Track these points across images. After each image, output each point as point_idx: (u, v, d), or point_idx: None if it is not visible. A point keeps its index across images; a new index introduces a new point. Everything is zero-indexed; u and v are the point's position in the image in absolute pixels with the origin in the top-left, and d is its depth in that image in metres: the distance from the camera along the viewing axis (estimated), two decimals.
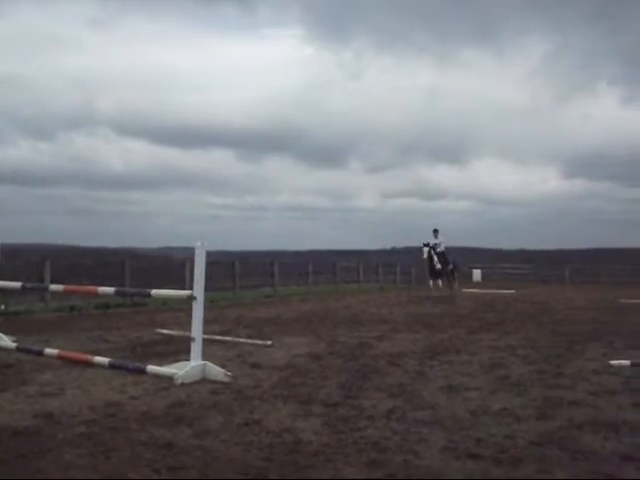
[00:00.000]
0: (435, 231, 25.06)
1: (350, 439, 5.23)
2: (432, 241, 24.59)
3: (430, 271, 24.82)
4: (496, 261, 58.95)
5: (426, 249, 24.06)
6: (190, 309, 7.92)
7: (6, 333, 10.27)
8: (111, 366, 8.09)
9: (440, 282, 25.04)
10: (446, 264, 25.03)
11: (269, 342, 10.60)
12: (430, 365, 8.81)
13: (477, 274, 48.70)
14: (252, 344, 10.60)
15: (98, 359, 8.36)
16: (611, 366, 8.74)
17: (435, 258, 24.20)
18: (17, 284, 10.78)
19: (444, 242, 25.12)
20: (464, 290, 30.43)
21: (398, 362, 9.01)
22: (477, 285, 38.44)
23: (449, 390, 7.18)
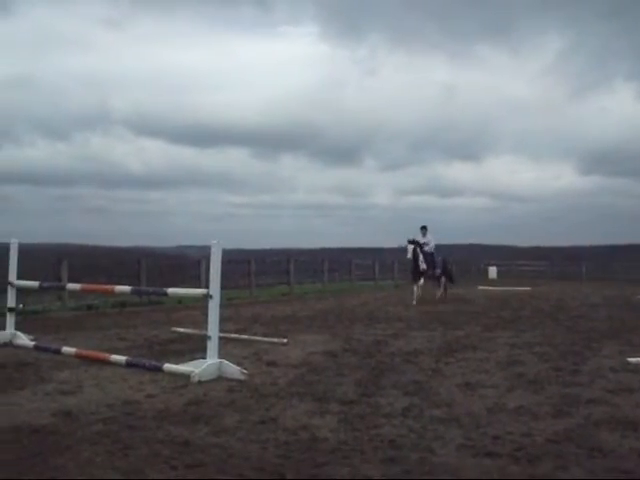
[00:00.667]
0: (423, 228, 21.54)
1: (366, 436, 5.23)
2: (419, 239, 21.17)
3: (413, 272, 21.17)
4: (512, 258, 58.81)
5: (411, 247, 20.58)
6: (206, 307, 7.95)
7: (24, 332, 10.35)
8: (128, 364, 8.14)
9: (422, 281, 21.10)
10: (433, 267, 21.42)
11: (285, 340, 10.62)
12: (446, 362, 8.79)
13: (493, 271, 48.60)
14: (268, 342, 10.62)
15: (115, 357, 8.41)
16: (628, 363, 8.69)
17: (421, 258, 20.73)
18: (35, 283, 10.86)
19: (433, 242, 21.63)
20: (479, 288, 30.33)
21: (414, 360, 9.00)
22: (493, 282, 38.28)
23: (465, 387, 7.16)
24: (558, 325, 13.74)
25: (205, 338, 7.90)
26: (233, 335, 10.97)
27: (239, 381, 7.39)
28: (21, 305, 12.13)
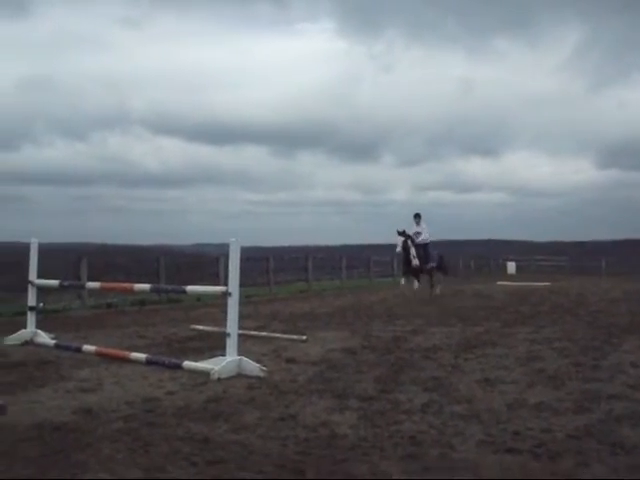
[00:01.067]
0: (417, 216, 19.44)
1: (386, 433, 5.23)
2: (412, 229, 19.28)
3: (404, 267, 19.63)
4: (530, 253, 58.58)
5: (401, 239, 18.72)
6: (225, 305, 7.98)
7: (45, 330, 10.43)
8: (148, 362, 8.18)
9: (416, 283, 19.44)
10: (427, 261, 19.39)
11: (304, 337, 10.63)
12: (465, 358, 8.77)
13: (512, 267, 48.42)
14: (287, 339, 10.64)
15: (135, 355, 8.46)
16: None
17: (412, 251, 18.82)
18: (55, 282, 10.94)
19: (428, 232, 19.61)
20: (498, 283, 30.22)
21: (433, 356, 8.98)
22: (511, 278, 38.14)
23: (485, 383, 7.14)
24: (578, 320, 13.66)
25: (224, 335, 7.93)
26: (252, 332, 10.99)
27: (258, 378, 7.41)
28: (41, 304, 12.22)
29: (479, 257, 51.14)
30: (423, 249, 19.17)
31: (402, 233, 18.77)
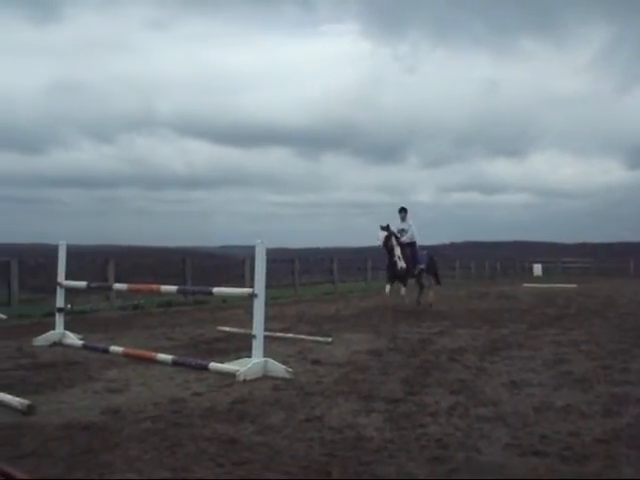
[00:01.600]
0: (402, 210, 16.59)
1: (412, 435, 5.22)
2: (397, 225, 16.50)
3: (388, 271, 16.67)
4: (557, 255, 58.12)
5: (383, 234, 15.96)
6: (250, 307, 8.01)
7: (73, 331, 10.54)
8: (174, 363, 8.23)
9: (403, 289, 16.45)
10: (415, 262, 16.47)
11: (329, 339, 10.64)
12: (491, 361, 8.73)
13: (538, 268, 48.12)
14: (312, 341, 10.65)
15: (162, 356, 8.51)
16: None
17: (397, 251, 16.00)
18: (83, 284, 11.05)
19: (415, 230, 16.61)
20: (524, 285, 30.00)
21: (459, 358, 8.94)
22: (538, 280, 37.85)
23: (512, 386, 7.10)
24: (606, 323, 13.53)
25: (250, 337, 7.96)
26: (278, 334, 11.03)
27: (284, 379, 7.43)
28: (69, 305, 12.35)
29: (505, 259, 50.86)
30: (410, 249, 16.28)
31: (386, 228, 16.07)
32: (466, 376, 7.67)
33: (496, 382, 7.33)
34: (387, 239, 15.86)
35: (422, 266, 16.77)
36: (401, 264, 15.95)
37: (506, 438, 5.11)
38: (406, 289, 16.36)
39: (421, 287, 17.39)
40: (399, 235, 16.28)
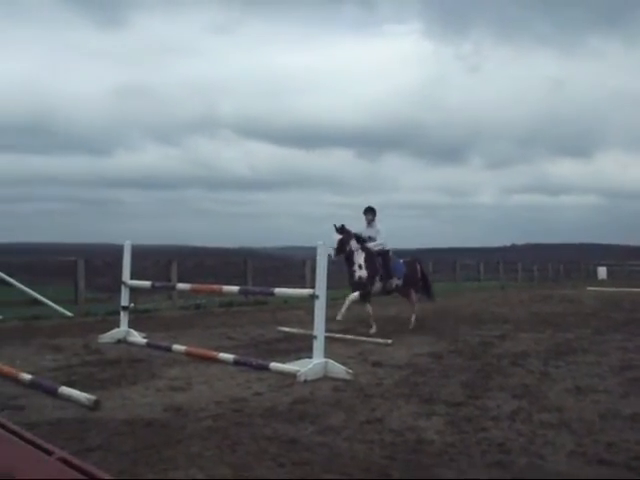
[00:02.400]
0: (369, 212, 12.81)
1: (474, 439, 5.16)
2: (361, 231, 12.75)
3: (350, 282, 12.52)
4: (623, 258, 56.78)
5: (338, 238, 12.11)
6: (311, 307, 8.03)
7: (137, 329, 10.74)
8: (236, 363, 8.31)
9: (369, 307, 12.33)
10: (387, 275, 12.50)
11: (390, 341, 10.60)
12: (555, 365, 8.57)
13: (602, 272, 47.01)
14: (373, 342, 10.63)
15: (223, 356, 8.60)
16: None
17: (360, 260, 12.22)
18: (147, 283, 11.25)
19: (383, 235, 12.81)
20: (588, 288, 29.36)
21: (522, 362, 8.81)
22: (602, 283, 37.02)
23: (576, 392, 6.96)
24: None
25: (311, 338, 7.99)
26: (338, 335, 11.02)
27: (344, 381, 7.43)
28: (133, 304, 12.57)
29: (568, 262, 49.94)
30: (382, 259, 12.56)
31: (341, 230, 12.22)
32: (529, 381, 7.55)
33: (560, 387, 7.19)
34: (342, 243, 12.14)
35: (398, 281, 12.73)
36: (360, 273, 12.19)
37: (571, 445, 5.01)
38: (369, 306, 12.36)
39: (411, 302, 13.33)
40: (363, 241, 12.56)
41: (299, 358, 8.18)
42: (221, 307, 18.07)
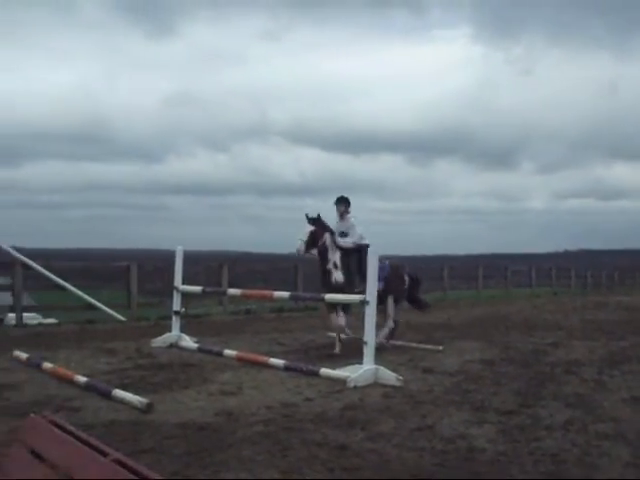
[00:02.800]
0: (341, 201, 10.69)
1: (526, 449, 5.10)
2: (334, 225, 10.62)
3: (322, 283, 10.37)
4: None
5: (309, 230, 10.10)
6: (361, 313, 8.03)
7: (188, 334, 10.85)
8: (286, 368, 8.34)
9: (342, 317, 10.25)
10: (363, 278, 9.02)
11: (440, 347, 10.52)
12: (610, 375, 8.40)
13: None
14: (423, 349, 10.56)
15: (274, 361, 8.64)
16: None
17: (334, 258, 10.24)
18: (198, 288, 11.36)
19: (358, 231, 10.51)
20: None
21: (575, 370, 8.66)
22: None
23: (633, 402, 6.81)
24: None
25: (361, 343, 7.98)
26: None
27: (395, 387, 7.40)
28: (184, 308, 12.71)
29: (623, 268, 48.94)
30: (357, 258, 10.17)
31: (314, 221, 10.21)
32: (583, 390, 7.43)
33: (616, 397, 7.06)
34: (314, 236, 10.10)
35: (379, 285, 9.03)
36: (336, 276, 10.16)
37: (627, 457, 4.92)
38: (344, 316, 10.34)
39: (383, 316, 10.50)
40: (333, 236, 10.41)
41: (349, 364, 8.17)
42: (271, 312, 18.16)
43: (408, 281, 11.48)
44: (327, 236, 10.23)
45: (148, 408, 6.15)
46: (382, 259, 9.75)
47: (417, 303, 12.15)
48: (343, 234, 10.52)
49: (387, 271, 10.59)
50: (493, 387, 7.54)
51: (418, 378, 8.07)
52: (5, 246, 15.34)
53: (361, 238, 10.43)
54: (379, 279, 9.00)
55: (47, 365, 8.24)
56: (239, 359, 9.10)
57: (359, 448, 5.07)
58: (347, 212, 10.67)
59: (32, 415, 2.92)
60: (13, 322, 14.35)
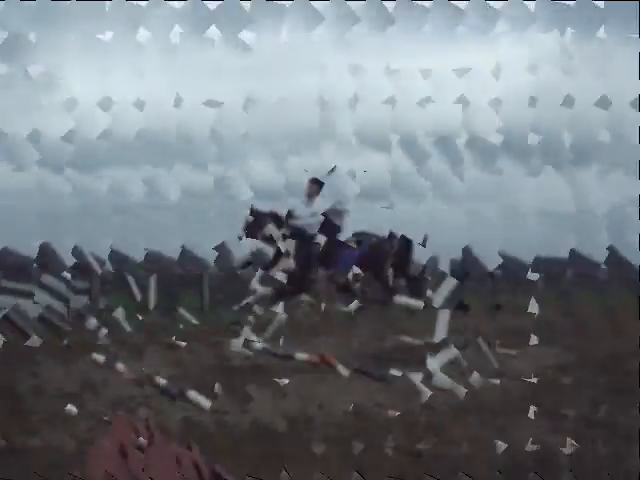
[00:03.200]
0: (314, 183, 8.42)
1: (605, 459, 4.93)
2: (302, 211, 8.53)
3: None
4: None
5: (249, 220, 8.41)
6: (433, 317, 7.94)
7: (260, 336, 10.84)
8: (358, 372, 8.27)
9: None
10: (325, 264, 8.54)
11: (514, 352, 10.27)
12: None
13: None
14: (495, 353, 10.33)
15: (344, 365, 8.58)
16: None
17: (285, 243, 8.53)
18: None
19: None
20: None
21: None
22: None
23: None
24: None
25: (432, 348, 7.89)
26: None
27: (468, 393, 7.27)
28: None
29: None
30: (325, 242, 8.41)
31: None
32: None
33: None
34: (255, 223, 8.57)
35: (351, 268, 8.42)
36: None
37: None
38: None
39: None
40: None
41: (421, 369, 8.06)
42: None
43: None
44: (270, 227, 8.51)
45: (220, 411, 6.17)
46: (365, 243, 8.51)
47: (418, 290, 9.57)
48: (313, 215, 8.55)
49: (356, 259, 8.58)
50: (570, 394, 7.33)
51: (491, 384, 7.90)
52: (84, 250, 15.64)
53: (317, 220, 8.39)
54: (347, 264, 8.26)
55: (122, 367, 8.38)
56: (311, 362, 9.05)
57: (431, 453, 5.00)
58: (316, 194, 8.52)
59: (118, 414, 2.99)
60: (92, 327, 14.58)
